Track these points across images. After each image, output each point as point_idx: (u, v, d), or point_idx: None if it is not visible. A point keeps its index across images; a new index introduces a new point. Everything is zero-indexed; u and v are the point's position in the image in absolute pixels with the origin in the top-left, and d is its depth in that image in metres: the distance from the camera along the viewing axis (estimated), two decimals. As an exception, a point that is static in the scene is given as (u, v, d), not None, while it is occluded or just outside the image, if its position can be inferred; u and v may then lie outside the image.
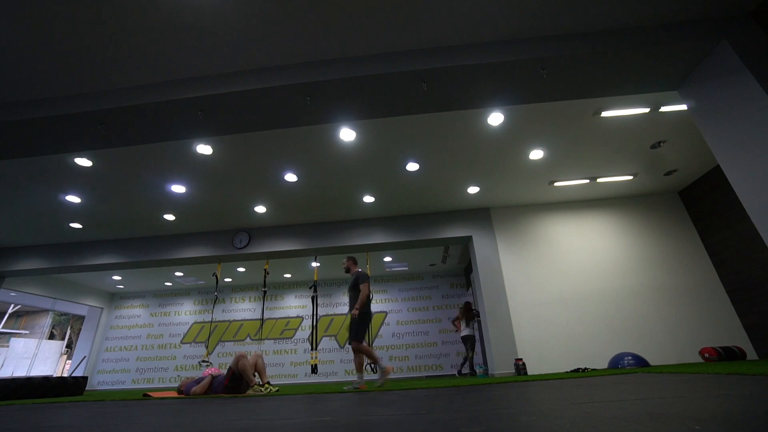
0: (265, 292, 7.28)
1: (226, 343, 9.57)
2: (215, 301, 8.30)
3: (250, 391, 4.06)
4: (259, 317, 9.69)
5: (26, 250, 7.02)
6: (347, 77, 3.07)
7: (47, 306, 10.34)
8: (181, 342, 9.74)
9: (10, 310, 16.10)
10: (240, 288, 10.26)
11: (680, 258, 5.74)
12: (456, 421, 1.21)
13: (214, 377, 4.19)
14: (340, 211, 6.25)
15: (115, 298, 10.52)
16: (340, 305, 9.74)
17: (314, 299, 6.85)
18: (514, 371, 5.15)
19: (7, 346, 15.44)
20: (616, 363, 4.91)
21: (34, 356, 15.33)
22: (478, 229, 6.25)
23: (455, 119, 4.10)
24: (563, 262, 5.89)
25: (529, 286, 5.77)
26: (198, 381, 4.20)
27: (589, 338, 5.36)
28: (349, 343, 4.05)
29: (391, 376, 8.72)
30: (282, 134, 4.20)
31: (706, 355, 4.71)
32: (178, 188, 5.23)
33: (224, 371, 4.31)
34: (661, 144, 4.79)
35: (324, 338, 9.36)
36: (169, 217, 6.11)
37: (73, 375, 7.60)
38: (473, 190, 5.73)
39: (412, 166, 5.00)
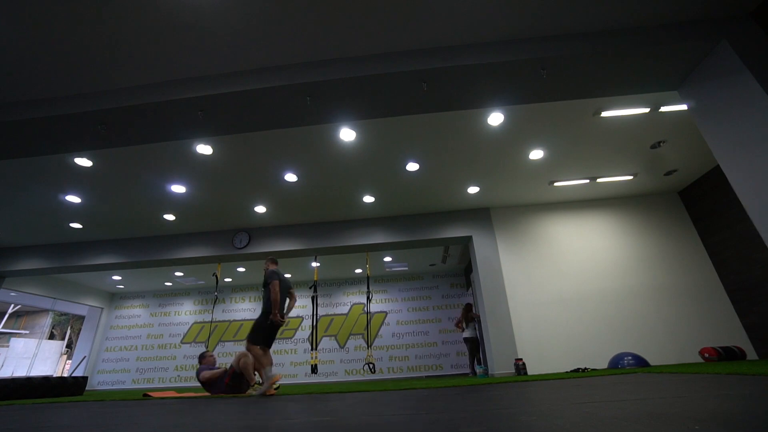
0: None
1: (226, 343, 9.57)
2: (215, 301, 8.29)
3: (250, 390, 4.07)
4: (259, 317, 9.66)
5: (26, 250, 7.02)
6: (347, 77, 3.07)
7: (47, 306, 10.34)
8: (181, 342, 9.74)
9: (10, 310, 16.10)
10: (240, 288, 10.26)
11: (680, 258, 5.74)
12: (456, 421, 1.21)
13: (222, 373, 4.23)
14: (340, 211, 6.25)
15: (115, 298, 10.52)
16: (341, 305, 9.74)
17: (314, 299, 6.85)
18: (514, 371, 5.15)
19: (7, 346, 15.44)
20: (616, 363, 4.91)
21: (34, 356, 15.34)
22: (478, 229, 6.24)
23: (455, 119, 4.10)
24: (563, 262, 5.89)
25: (529, 286, 5.77)
26: (210, 368, 4.36)
27: (589, 338, 5.36)
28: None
29: (392, 376, 8.72)
30: (282, 134, 4.20)
31: (706, 355, 4.71)
32: (178, 188, 5.23)
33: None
34: (661, 144, 4.79)
35: (324, 338, 9.36)
36: (169, 217, 6.12)
37: (73, 375, 7.60)
38: (473, 190, 5.73)
39: (412, 166, 5.00)
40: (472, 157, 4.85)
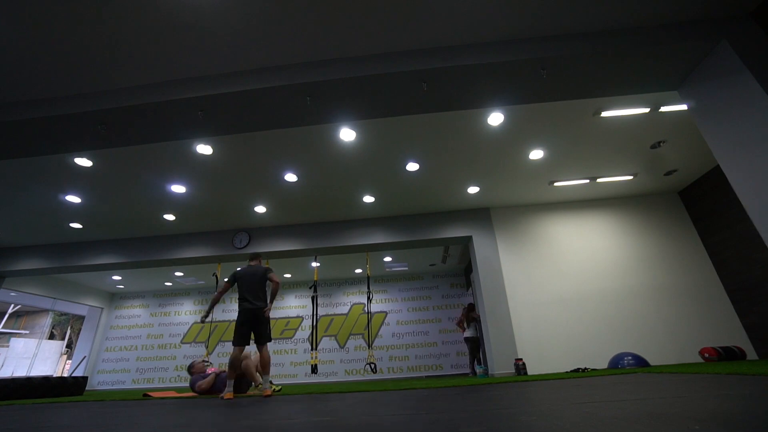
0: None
1: (226, 343, 9.57)
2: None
3: (253, 390, 4.08)
4: (259, 317, 9.66)
5: (26, 250, 7.02)
6: (347, 77, 3.07)
7: (47, 306, 10.34)
8: (181, 342, 9.74)
9: (10, 310, 16.10)
10: (240, 288, 10.25)
11: (680, 258, 5.74)
12: (456, 421, 1.21)
13: (218, 374, 4.26)
14: (340, 211, 6.25)
15: (115, 298, 10.52)
16: (341, 305, 9.74)
17: (314, 299, 6.85)
18: (514, 371, 5.15)
19: (7, 346, 15.44)
20: (616, 363, 4.91)
21: (34, 356, 15.34)
22: (478, 229, 6.24)
23: (455, 119, 4.10)
24: (563, 262, 5.89)
25: (529, 286, 5.77)
26: (204, 376, 4.29)
27: (589, 338, 5.36)
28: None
29: (392, 376, 8.72)
30: (282, 134, 4.20)
31: (706, 355, 4.71)
32: (178, 188, 5.23)
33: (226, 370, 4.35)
34: (661, 144, 4.79)
35: (324, 338, 9.36)
36: (169, 217, 6.11)
37: (73, 375, 7.60)
38: (473, 190, 5.73)
39: (412, 166, 5.00)
40: (472, 157, 4.85)
